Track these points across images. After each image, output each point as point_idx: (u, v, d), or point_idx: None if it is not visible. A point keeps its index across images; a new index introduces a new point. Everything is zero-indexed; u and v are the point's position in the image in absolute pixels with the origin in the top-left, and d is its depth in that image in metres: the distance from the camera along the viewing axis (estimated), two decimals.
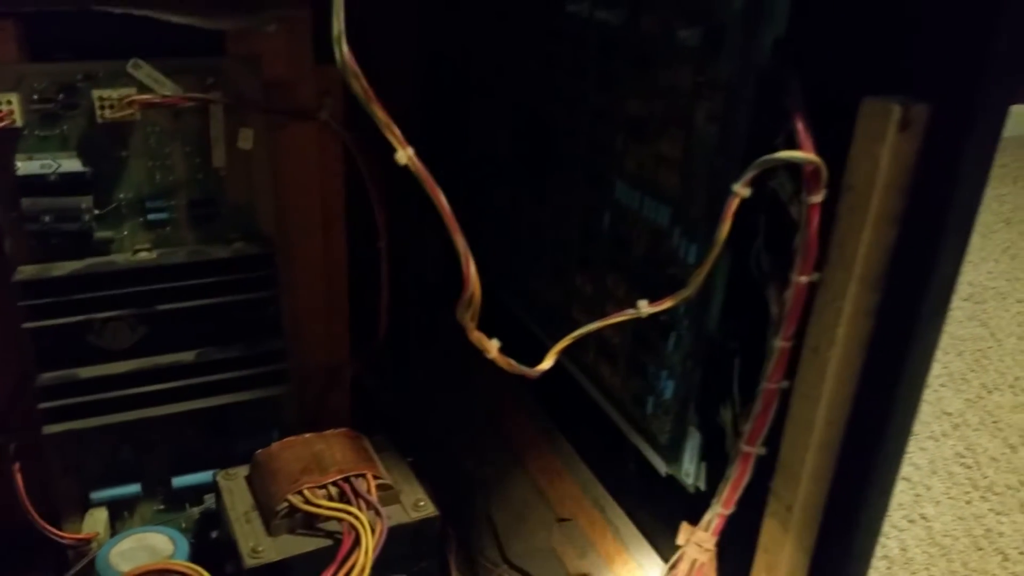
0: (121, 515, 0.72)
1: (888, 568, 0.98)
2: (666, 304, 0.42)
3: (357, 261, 0.82)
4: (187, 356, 0.68)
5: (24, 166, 0.60)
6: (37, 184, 0.60)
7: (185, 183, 0.67)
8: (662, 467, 0.56)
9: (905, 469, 1.12)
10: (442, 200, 0.35)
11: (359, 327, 0.85)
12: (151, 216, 0.66)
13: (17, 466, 0.69)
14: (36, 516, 0.68)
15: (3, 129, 0.58)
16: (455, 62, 0.79)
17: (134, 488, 0.71)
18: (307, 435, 0.65)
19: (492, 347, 0.41)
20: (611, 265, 0.59)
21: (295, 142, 0.72)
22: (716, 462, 0.51)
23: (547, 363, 0.43)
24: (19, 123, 0.59)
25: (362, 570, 0.53)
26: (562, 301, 0.66)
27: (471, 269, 0.36)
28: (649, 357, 0.56)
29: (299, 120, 0.71)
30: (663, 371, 0.54)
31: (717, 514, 0.47)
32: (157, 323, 0.67)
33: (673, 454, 0.55)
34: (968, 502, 1.12)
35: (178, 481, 0.72)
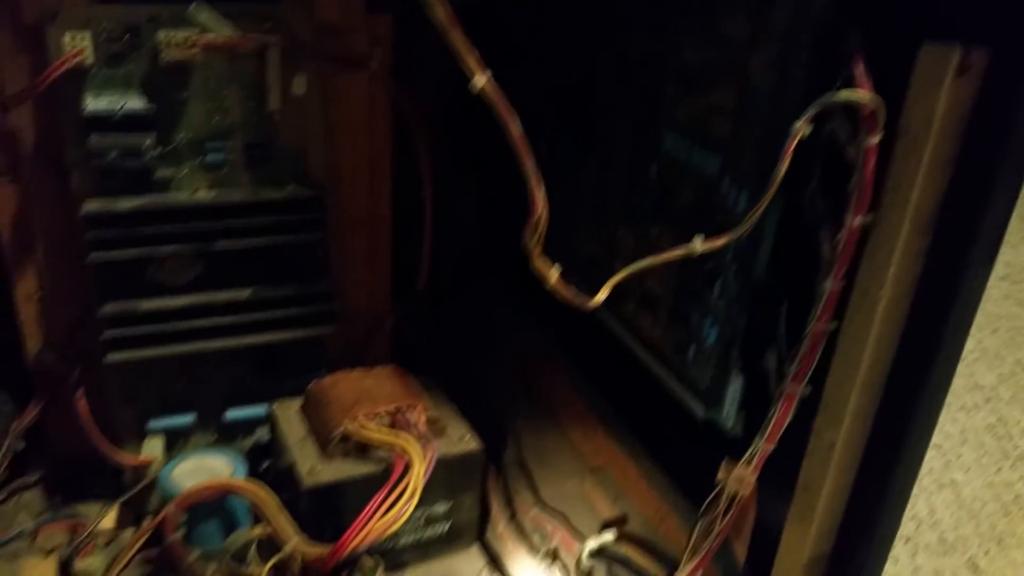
0: (176, 445, 0.75)
1: (916, 528, 0.99)
2: (721, 241, 0.43)
3: (398, 216, 0.84)
4: (241, 293, 0.70)
5: (92, 103, 0.62)
6: (104, 121, 0.62)
7: (241, 126, 0.69)
8: (700, 412, 0.57)
9: (935, 437, 1.13)
10: (515, 126, 0.36)
11: (398, 283, 0.87)
12: (209, 157, 0.68)
13: (81, 392, 0.72)
14: (100, 440, 0.70)
15: (74, 67, 0.60)
16: (497, 6, 0.79)
17: (188, 418, 0.74)
18: (357, 370, 0.68)
19: (553, 274, 0.42)
20: (655, 217, 0.61)
21: (345, 91, 0.73)
22: (755, 406, 0.52)
23: (602, 295, 0.45)
24: (89, 61, 0.61)
25: (412, 494, 0.56)
26: (602, 255, 0.67)
27: (540, 194, 0.37)
28: (693, 305, 0.57)
29: (350, 68, 0.72)
30: (707, 318, 0.56)
31: (759, 450, 0.49)
32: (213, 261, 0.69)
33: (713, 399, 0.56)
34: (998, 470, 1.13)
35: (231, 414, 0.75)
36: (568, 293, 0.43)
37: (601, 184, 0.66)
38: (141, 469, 0.72)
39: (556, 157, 0.71)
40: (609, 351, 0.66)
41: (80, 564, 0.59)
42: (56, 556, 0.68)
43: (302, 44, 0.66)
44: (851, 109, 0.41)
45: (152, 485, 0.69)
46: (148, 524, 0.59)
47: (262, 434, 0.76)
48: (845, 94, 0.38)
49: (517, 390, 0.78)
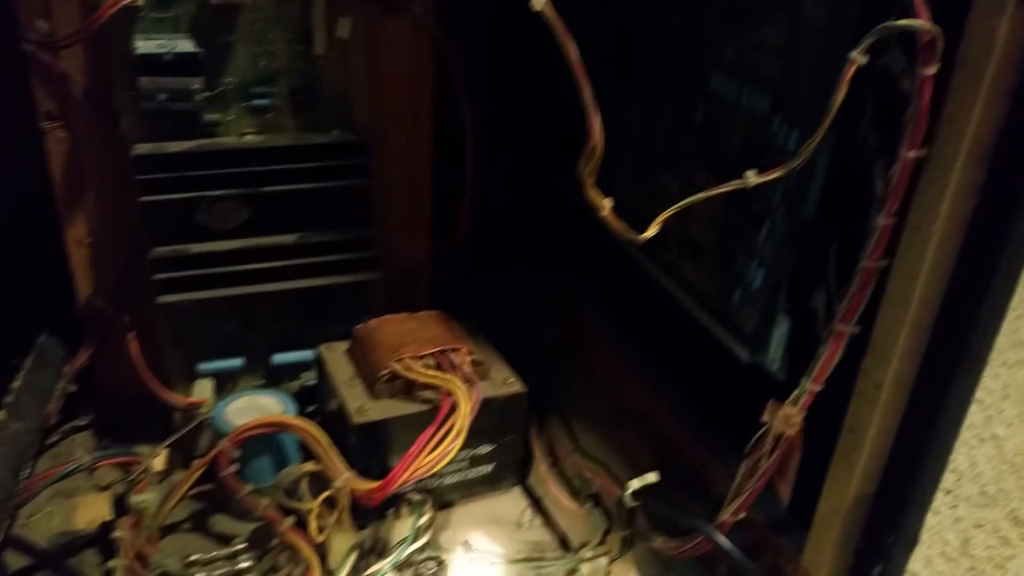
0: (224, 387, 0.77)
1: (957, 480, 0.99)
2: (776, 173, 0.43)
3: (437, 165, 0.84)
4: (286, 238, 0.71)
5: (143, 45, 0.62)
6: (154, 63, 0.62)
7: (287, 71, 0.69)
8: (745, 356, 0.57)
9: (977, 392, 1.12)
10: (573, 50, 0.36)
11: (437, 233, 0.87)
12: (255, 102, 0.69)
13: (133, 335, 0.73)
14: (151, 381, 0.72)
15: (124, 8, 0.61)
16: None
17: (237, 362, 0.76)
18: (402, 314, 0.68)
19: (606, 205, 0.42)
20: (701, 159, 0.60)
21: (388, 35, 0.73)
22: (801, 348, 0.52)
23: (652, 230, 0.45)
24: (140, 2, 0.62)
25: (459, 433, 0.57)
26: (645, 201, 0.66)
27: (596, 123, 0.37)
28: (739, 248, 0.57)
29: (393, 11, 0.72)
30: (754, 260, 0.56)
31: (806, 390, 0.49)
32: (259, 205, 0.70)
33: (760, 342, 0.56)
34: None
35: (277, 358, 0.77)
36: (619, 225, 0.43)
37: (645, 128, 0.66)
38: (191, 410, 0.73)
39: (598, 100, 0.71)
40: (648, 297, 0.66)
41: (135, 499, 0.61)
42: (110, 492, 0.70)
43: None
44: (907, 39, 0.40)
45: (201, 427, 0.70)
46: (202, 460, 0.60)
47: (308, 377, 0.78)
48: (904, 22, 0.37)
49: (554, 338, 0.79)
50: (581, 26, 0.70)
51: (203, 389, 0.74)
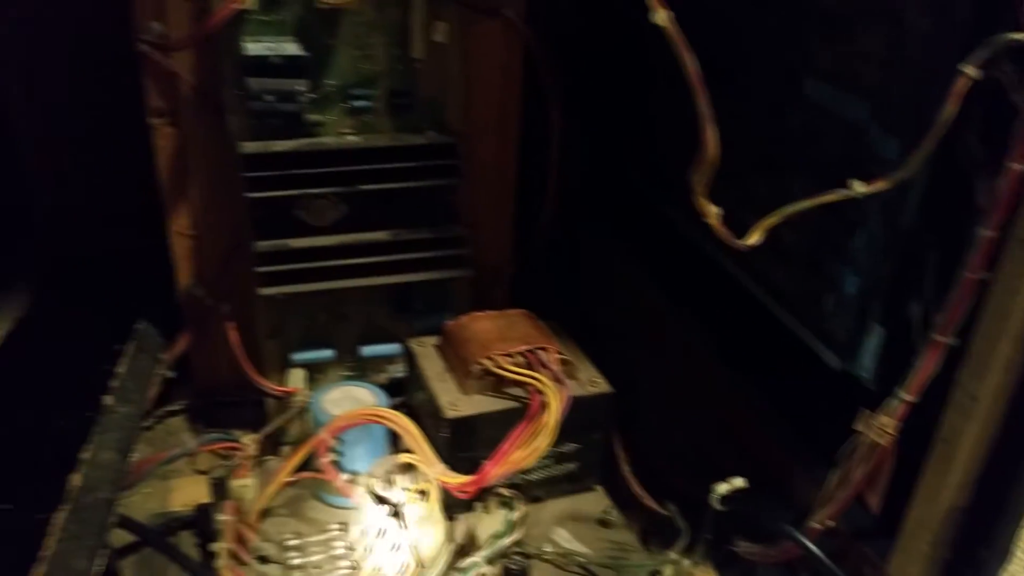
0: (314, 378, 0.80)
1: None
2: (882, 184, 0.43)
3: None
4: (380, 235, 0.73)
5: (252, 47, 0.65)
6: (262, 65, 0.65)
7: (385, 73, 0.71)
8: (836, 363, 0.57)
9: None
10: (692, 63, 0.37)
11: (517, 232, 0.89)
12: (355, 103, 0.71)
13: (232, 324, 0.77)
14: (250, 369, 0.75)
15: (236, 12, 0.63)
16: None
17: (328, 353, 0.78)
18: (490, 312, 0.70)
19: (713, 212, 0.43)
20: (793, 166, 0.60)
21: (481, 38, 0.75)
22: (893, 357, 0.52)
23: (755, 238, 0.45)
24: (250, 5, 0.64)
25: (549, 431, 0.58)
26: (733, 206, 0.67)
27: (712, 134, 0.38)
28: (832, 255, 0.57)
29: (486, 15, 0.74)
30: (848, 268, 0.56)
31: (901, 400, 0.49)
32: (356, 203, 0.73)
33: (851, 350, 0.56)
34: None
35: (366, 350, 0.79)
36: (725, 233, 0.44)
37: (734, 135, 0.66)
38: (285, 399, 0.76)
39: (684, 109, 0.71)
40: (733, 302, 0.66)
41: (236, 483, 0.64)
42: (207, 477, 0.73)
43: None
44: (1017, 52, 0.40)
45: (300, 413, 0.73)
46: (302, 447, 0.63)
47: (394, 370, 0.80)
48: (1019, 36, 0.37)
49: (635, 339, 0.79)
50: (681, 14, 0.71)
51: (297, 378, 0.77)
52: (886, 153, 0.51)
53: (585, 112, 0.88)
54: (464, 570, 0.56)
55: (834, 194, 0.45)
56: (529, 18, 0.76)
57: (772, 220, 0.46)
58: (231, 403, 0.86)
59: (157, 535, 0.62)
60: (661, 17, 0.37)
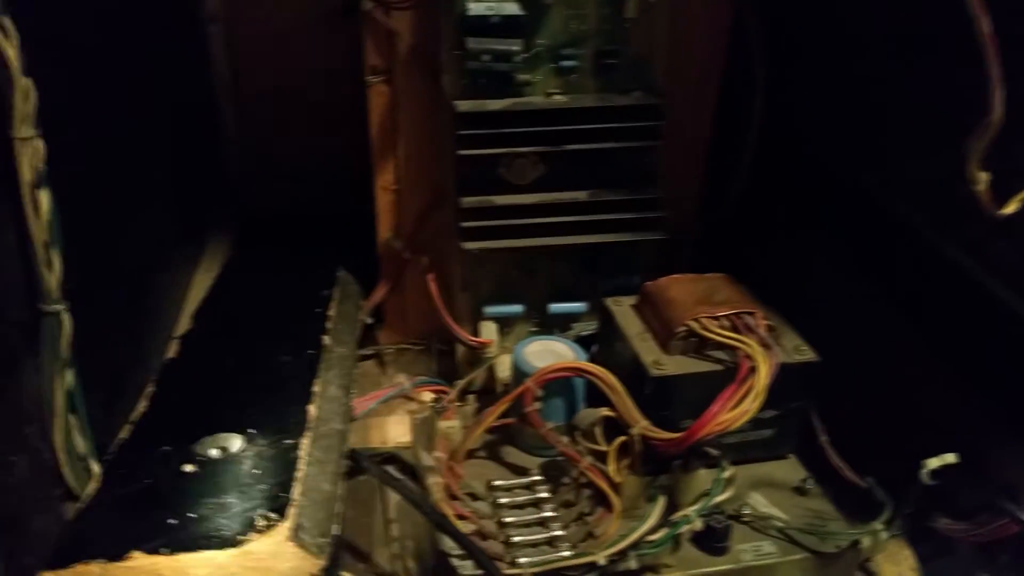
0: (503, 331, 0.82)
1: None
2: None
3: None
4: (579, 195, 0.75)
5: (474, 7, 0.67)
6: (481, 25, 0.67)
7: (594, 33, 0.72)
8: None
9: None
10: (986, 23, 0.36)
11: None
12: (563, 63, 0.72)
13: (432, 275, 0.80)
14: (449, 319, 0.79)
15: None
16: None
17: (517, 308, 0.81)
18: (691, 275, 0.70)
19: (983, 179, 0.42)
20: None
21: None
22: None
23: (1013, 206, 0.44)
24: None
25: (758, 395, 0.58)
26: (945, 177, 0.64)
27: (999, 98, 0.37)
28: None
29: None
30: None
31: None
32: (555, 162, 0.74)
33: None
34: None
35: (554, 307, 0.81)
36: (989, 200, 0.43)
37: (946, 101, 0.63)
38: (479, 350, 0.79)
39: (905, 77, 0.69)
40: (936, 276, 0.64)
41: (444, 424, 0.67)
42: (407, 418, 0.77)
43: None
44: None
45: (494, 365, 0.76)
46: (509, 395, 0.65)
47: (580, 328, 0.82)
48: None
49: (826, 311, 0.77)
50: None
51: (489, 331, 0.80)
52: None
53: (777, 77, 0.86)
54: (675, 524, 0.57)
55: None
56: None
57: None
58: (414, 350, 0.90)
59: (377, 465, 0.66)
60: None
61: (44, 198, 0.49)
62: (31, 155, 0.47)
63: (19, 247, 0.49)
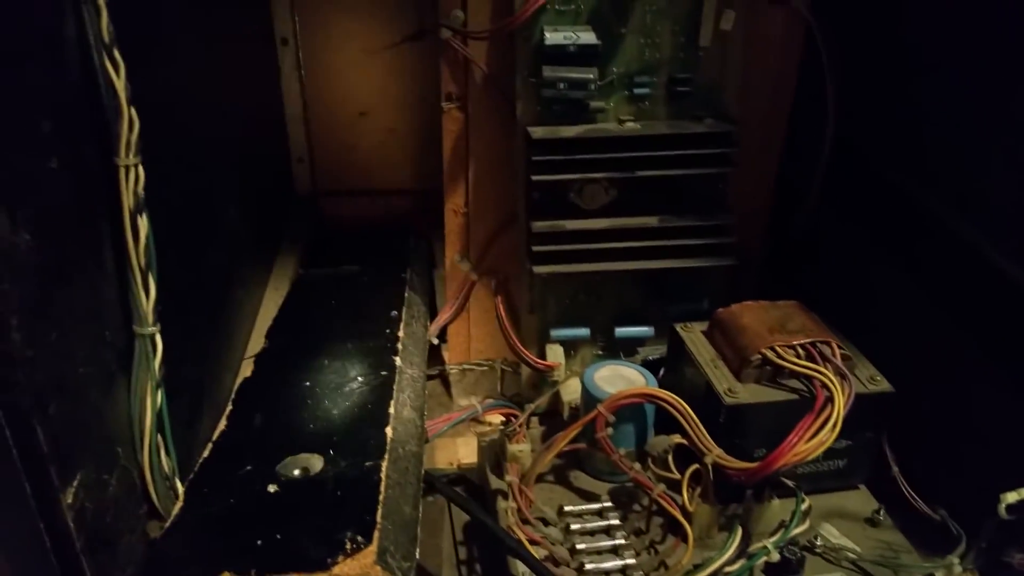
0: (568, 354, 0.83)
1: None
2: None
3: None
4: (650, 220, 0.75)
5: (551, 37, 0.68)
6: (558, 54, 0.68)
7: (668, 61, 0.73)
8: None
9: None
10: None
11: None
12: (636, 90, 0.73)
13: (500, 298, 0.81)
14: (516, 341, 0.79)
15: (544, 2, 0.66)
16: None
17: (584, 331, 0.81)
18: (763, 302, 0.70)
19: None
20: None
21: (765, 26, 0.75)
22: None
23: None
24: None
25: (834, 425, 0.58)
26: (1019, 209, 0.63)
27: None
28: None
29: (773, 4, 0.74)
30: None
31: None
32: (626, 188, 0.75)
33: None
34: None
35: (620, 331, 0.81)
36: None
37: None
38: (545, 372, 0.80)
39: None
40: (1016, 313, 0.63)
41: (514, 448, 0.67)
42: (474, 439, 0.78)
43: None
44: None
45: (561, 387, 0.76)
46: (580, 420, 0.65)
47: (647, 352, 0.82)
48: None
49: (893, 337, 0.77)
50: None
51: (556, 354, 0.80)
52: None
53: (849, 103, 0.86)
54: (753, 555, 0.57)
55: None
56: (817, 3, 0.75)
57: None
58: (481, 371, 0.91)
59: (450, 487, 0.66)
60: None
61: (143, 223, 0.50)
62: (133, 182, 0.49)
63: (117, 271, 0.51)
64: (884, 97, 0.79)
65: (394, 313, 0.82)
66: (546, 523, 0.63)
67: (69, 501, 0.44)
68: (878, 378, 0.65)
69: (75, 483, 0.45)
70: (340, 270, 0.92)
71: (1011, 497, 0.58)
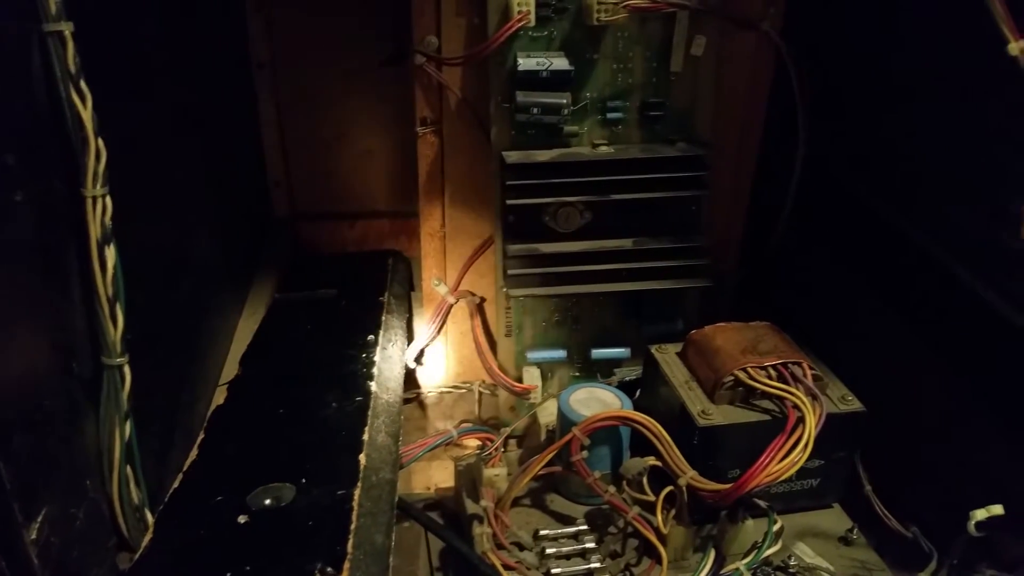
0: (545, 376, 0.83)
1: None
2: None
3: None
4: (624, 243, 0.75)
5: (524, 62, 0.68)
6: (532, 79, 0.68)
7: (640, 86, 0.73)
8: None
9: None
10: None
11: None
12: (609, 115, 0.73)
13: (477, 321, 0.81)
14: (492, 364, 0.79)
15: (519, 28, 0.67)
16: None
17: (560, 353, 0.81)
18: (735, 323, 0.71)
19: None
20: None
21: (735, 50, 0.76)
22: None
23: None
24: (532, 23, 0.67)
25: (805, 445, 0.58)
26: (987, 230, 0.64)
27: None
28: None
29: (743, 28, 0.74)
30: None
31: None
32: (601, 211, 0.75)
33: None
34: None
35: (596, 353, 0.81)
36: None
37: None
38: (522, 395, 0.80)
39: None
40: (986, 331, 0.63)
41: (489, 472, 0.67)
42: (450, 463, 0.78)
43: (709, 5, 0.69)
44: None
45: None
46: (556, 443, 0.65)
47: (623, 373, 0.82)
48: None
49: (864, 356, 0.77)
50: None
51: (533, 376, 0.80)
52: None
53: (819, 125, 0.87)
54: None
55: None
56: (786, 26, 0.76)
57: None
58: (459, 394, 0.91)
59: (424, 514, 0.66)
60: (1015, 49, 0.37)
61: (111, 254, 0.50)
62: (101, 212, 0.49)
63: (84, 302, 0.51)
64: (854, 118, 0.80)
65: (370, 337, 0.82)
66: (521, 548, 0.63)
67: (33, 537, 0.43)
68: (850, 398, 0.65)
69: (40, 518, 0.44)
70: (317, 293, 0.92)
71: (980, 514, 0.59)
